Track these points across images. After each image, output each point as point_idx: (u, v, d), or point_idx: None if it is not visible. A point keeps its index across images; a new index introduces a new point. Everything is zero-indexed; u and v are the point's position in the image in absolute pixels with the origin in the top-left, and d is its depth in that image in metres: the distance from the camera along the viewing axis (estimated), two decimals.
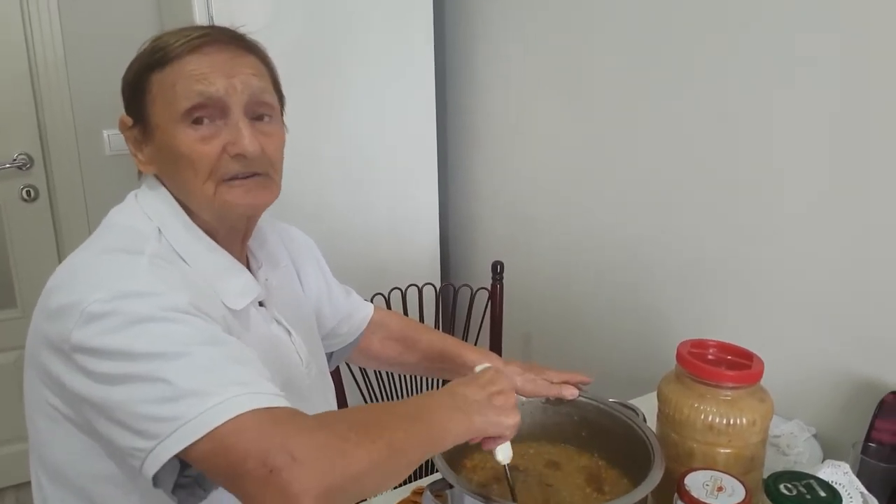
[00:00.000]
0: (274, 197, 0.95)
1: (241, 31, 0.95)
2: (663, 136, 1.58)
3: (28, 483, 0.89)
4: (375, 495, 1.11)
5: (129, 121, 0.94)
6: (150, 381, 0.72)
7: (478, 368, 0.96)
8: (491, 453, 0.91)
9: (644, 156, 1.64)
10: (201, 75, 0.88)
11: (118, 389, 0.73)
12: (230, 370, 0.75)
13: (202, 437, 0.69)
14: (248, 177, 0.91)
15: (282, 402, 0.74)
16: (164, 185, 0.95)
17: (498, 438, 0.89)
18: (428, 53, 2.12)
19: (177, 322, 0.76)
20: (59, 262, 2.65)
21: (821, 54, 1.25)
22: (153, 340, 0.74)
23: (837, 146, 1.25)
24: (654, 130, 1.60)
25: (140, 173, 0.98)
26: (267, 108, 0.94)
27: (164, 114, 0.89)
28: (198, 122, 0.88)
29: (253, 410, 0.70)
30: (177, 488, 0.76)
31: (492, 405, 0.86)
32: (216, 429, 0.68)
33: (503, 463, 0.92)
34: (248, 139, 0.88)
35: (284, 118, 1.00)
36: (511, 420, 0.87)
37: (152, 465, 0.71)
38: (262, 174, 0.92)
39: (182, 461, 0.73)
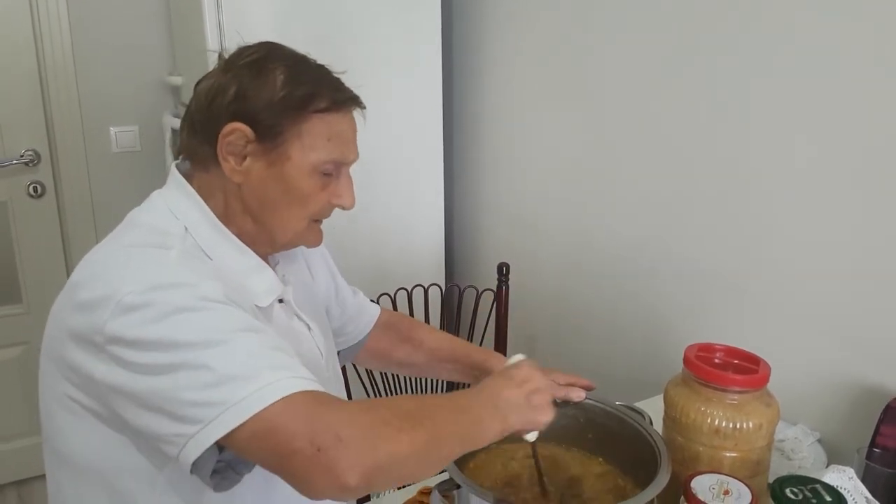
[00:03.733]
0: None
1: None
2: (669, 141, 1.58)
3: (30, 479, 0.90)
4: (412, 483, 1.14)
5: (252, 134, 0.91)
6: (192, 369, 0.73)
7: (512, 360, 1.00)
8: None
9: (650, 160, 1.64)
10: (347, 140, 0.96)
11: (161, 379, 0.74)
12: (270, 355, 0.77)
13: (248, 420, 0.71)
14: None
15: (320, 388, 0.76)
16: (192, 184, 0.95)
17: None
18: (435, 58, 2.13)
19: (214, 311, 0.78)
20: (65, 258, 2.63)
21: (830, 56, 1.25)
22: (192, 329, 0.76)
23: (849, 153, 1.25)
24: (659, 134, 1.60)
25: (175, 163, 0.99)
26: None
27: (304, 154, 0.93)
28: (327, 174, 0.96)
29: (299, 392, 0.73)
30: (212, 473, 0.77)
31: (529, 405, 0.89)
32: (263, 410, 0.71)
33: (530, 441, 0.95)
34: (352, 197, 0.99)
35: None
36: (546, 418, 0.90)
37: (194, 450, 0.72)
38: None
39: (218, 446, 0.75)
